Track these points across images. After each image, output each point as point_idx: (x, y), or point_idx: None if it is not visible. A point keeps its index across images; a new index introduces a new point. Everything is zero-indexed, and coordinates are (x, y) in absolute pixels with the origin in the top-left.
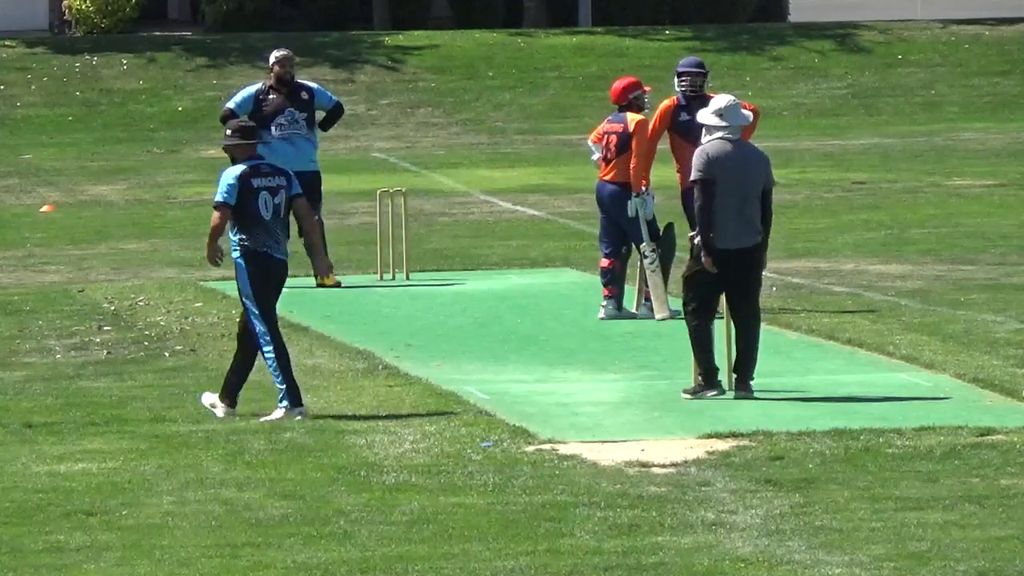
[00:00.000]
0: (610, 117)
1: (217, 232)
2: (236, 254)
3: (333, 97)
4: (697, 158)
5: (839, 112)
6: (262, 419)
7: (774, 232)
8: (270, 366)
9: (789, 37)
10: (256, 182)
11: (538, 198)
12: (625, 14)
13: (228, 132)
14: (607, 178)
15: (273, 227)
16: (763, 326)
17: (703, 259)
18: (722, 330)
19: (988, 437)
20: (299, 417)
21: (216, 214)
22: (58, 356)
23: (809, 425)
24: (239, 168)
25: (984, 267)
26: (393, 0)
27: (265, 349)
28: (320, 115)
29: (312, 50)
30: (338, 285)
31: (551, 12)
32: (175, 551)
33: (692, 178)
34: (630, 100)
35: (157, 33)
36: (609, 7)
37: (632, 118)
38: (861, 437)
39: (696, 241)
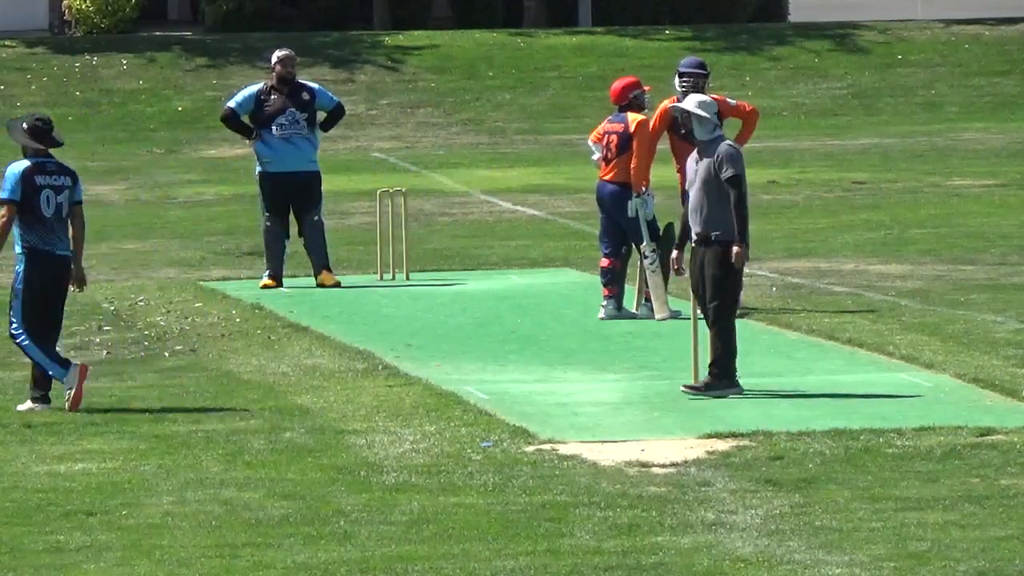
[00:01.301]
0: (610, 117)
1: (5, 230)
2: (18, 249)
3: (334, 98)
4: (736, 155)
5: (839, 112)
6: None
7: (774, 231)
8: (29, 354)
9: (789, 37)
10: (40, 179)
11: (538, 198)
12: (625, 14)
13: (24, 126)
14: (607, 178)
15: (54, 225)
16: (763, 326)
17: (738, 251)
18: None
19: (988, 437)
20: (41, 408)
21: (1, 212)
22: None
23: (809, 425)
24: (23, 164)
25: (984, 267)
26: (393, 0)
27: (23, 342)
28: (321, 115)
29: (312, 50)
30: (338, 285)
31: (551, 12)
32: (175, 551)
33: (737, 174)
34: (630, 100)
35: (157, 33)
36: (609, 7)
37: (633, 118)
38: (861, 437)
39: (738, 248)
